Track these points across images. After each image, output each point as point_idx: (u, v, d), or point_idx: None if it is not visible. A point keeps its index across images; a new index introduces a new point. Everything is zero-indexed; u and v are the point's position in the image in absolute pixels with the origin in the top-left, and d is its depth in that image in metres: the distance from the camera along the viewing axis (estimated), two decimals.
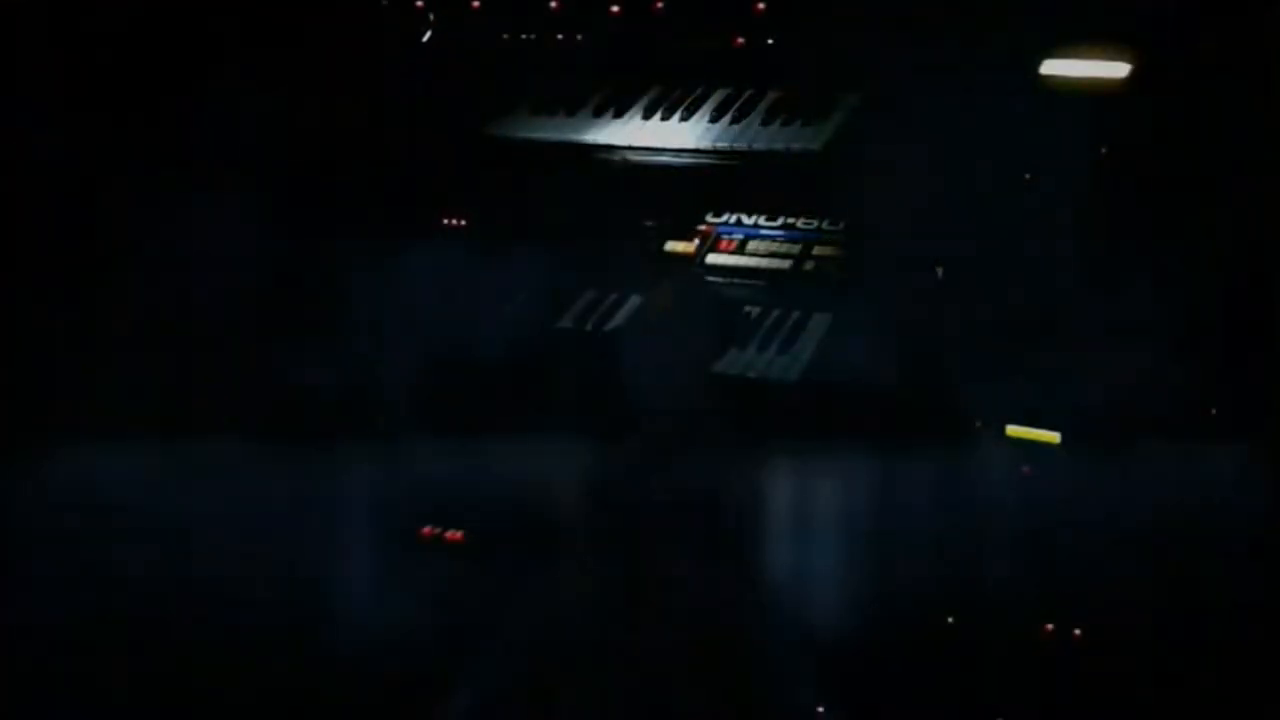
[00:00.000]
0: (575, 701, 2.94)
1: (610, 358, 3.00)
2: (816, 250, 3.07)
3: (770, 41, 3.03)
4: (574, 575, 3.05)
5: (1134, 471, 2.58)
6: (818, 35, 2.96)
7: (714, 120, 3.04)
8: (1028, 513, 2.68)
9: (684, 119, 3.07)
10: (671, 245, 3.18)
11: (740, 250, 3.12)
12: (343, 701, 3.03)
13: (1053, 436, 2.69)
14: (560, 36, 3.22)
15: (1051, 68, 2.62)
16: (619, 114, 3.15)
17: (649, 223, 3.20)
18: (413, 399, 3.17)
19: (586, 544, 3.04)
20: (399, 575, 3.13)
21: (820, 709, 2.85)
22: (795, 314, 2.99)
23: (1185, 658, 2.60)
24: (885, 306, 2.80)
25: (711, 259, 3.13)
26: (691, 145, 2.99)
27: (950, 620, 2.75)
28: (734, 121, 3.02)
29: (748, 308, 3.03)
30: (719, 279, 3.10)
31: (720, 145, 2.96)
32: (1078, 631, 2.68)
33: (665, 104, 3.13)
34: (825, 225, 3.11)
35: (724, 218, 3.20)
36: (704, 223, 3.20)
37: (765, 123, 2.98)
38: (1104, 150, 2.64)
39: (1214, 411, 2.63)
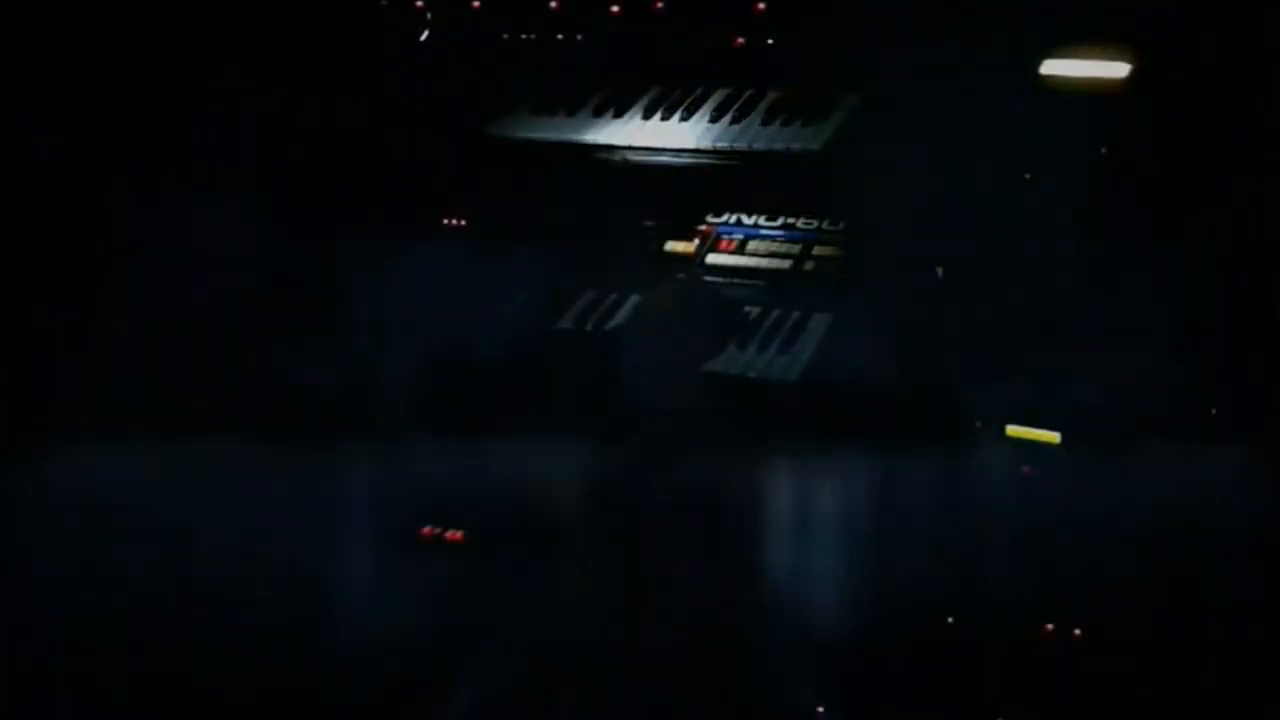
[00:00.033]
0: (575, 701, 2.94)
1: (610, 358, 3.00)
2: (816, 250, 3.07)
3: (770, 41, 3.03)
4: (574, 575, 3.05)
5: (1134, 471, 2.58)
6: (818, 35, 2.96)
7: (714, 120, 3.04)
8: (1028, 513, 2.68)
9: (684, 119, 3.07)
10: (671, 245, 3.18)
11: (740, 250, 3.12)
12: (343, 701, 3.03)
13: (1053, 436, 2.69)
14: (560, 36, 3.22)
15: (1051, 68, 2.62)
16: (619, 114, 3.15)
17: (649, 223, 3.20)
18: (413, 399, 3.17)
19: (586, 544, 3.04)
20: (399, 575, 3.13)
21: (820, 709, 2.85)
22: (795, 314, 2.98)
23: (1185, 658, 2.60)
24: (885, 306, 2.80)
25: (711, 259, 3.13)
26: (691, 145, 2.99)
27: (950, 620, 2.75)
28: (734, 121, 3.02)
29: (748, 308, 3.03)
30: (719, 279, 3.10)
31: (720, 145, 2.96)
32: (1078, 631, 2.68)
33: (665, 104, 3.13)
34: (825, 225, 3.11)
35: (724, 218, 3.20)
36: (704, 223, 3.21)
37: (765, 123, 2.98)
38: (1104, 150, 2.64)
39: (1214, 411, 2.63)
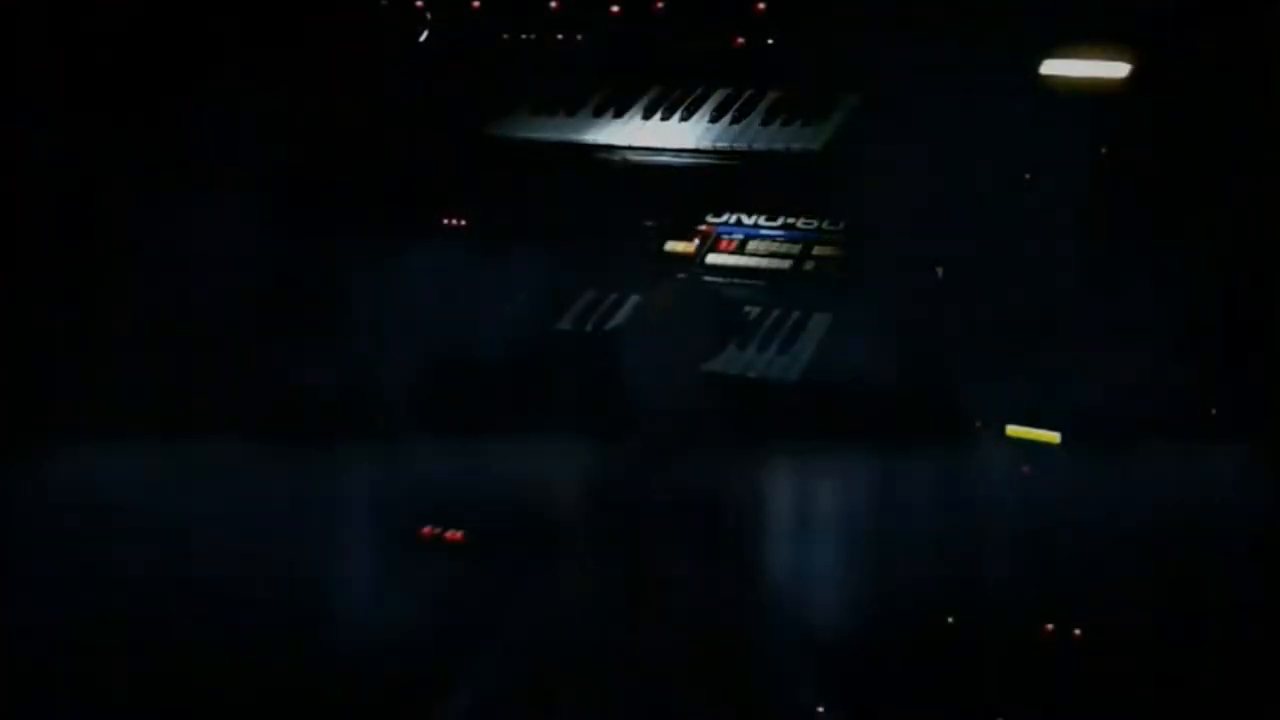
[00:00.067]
0: (575, 701, 2.94)
1: (610, 358, 3.00)
2: (816, 250, 3.07)
3: (770, 41, 3.03)
4: (574, 575, 3.05)
5: (1134, 471, 2.58)
6: (818, 35, 2.96)
7: (714, 120, 3.04)
8: (1028, 513, 2.68)
9: (684, 119, 3.07)
10: (671, 245, 3.18)
11: (740, 250, 3.12)
12: (343, 701, 3.03)
13: (1053, 436, 2.69)
14: (560, 36, 3.22)
15: (1051, 68, 2.62)
16: (619, 114, 3.14)
17: (649, 223, 3.20)
18: (413, 399, 3.17)
19: (586, 544, 3.04)
20: (399, 575, 3.13)
21: (820, 709, 2.85)
22: (795, 314, 2.98)
23: (1185, 658, 2.60)
24: (885, 306, 2.80)
25: (711, 259, 3.13)
26: (691, 145, 2.99)
27: (950, 620, 2.75)
28: (734, 121, 3.02)
29: (748, 308, 3.03)
30: (719, 279, 3.10)
31: (720, 145, 2.96)
32: (1078, 631, 2.68)
33: (665, 104, 3.13)
34: (825, 225, 3.11)
35: (724, 218, 3.20)
36: (704, 223, 3.21)
37: (765, 123, 2.98)
38: (1104, 150, 2.64)
39: (1214, 411, 2.63)
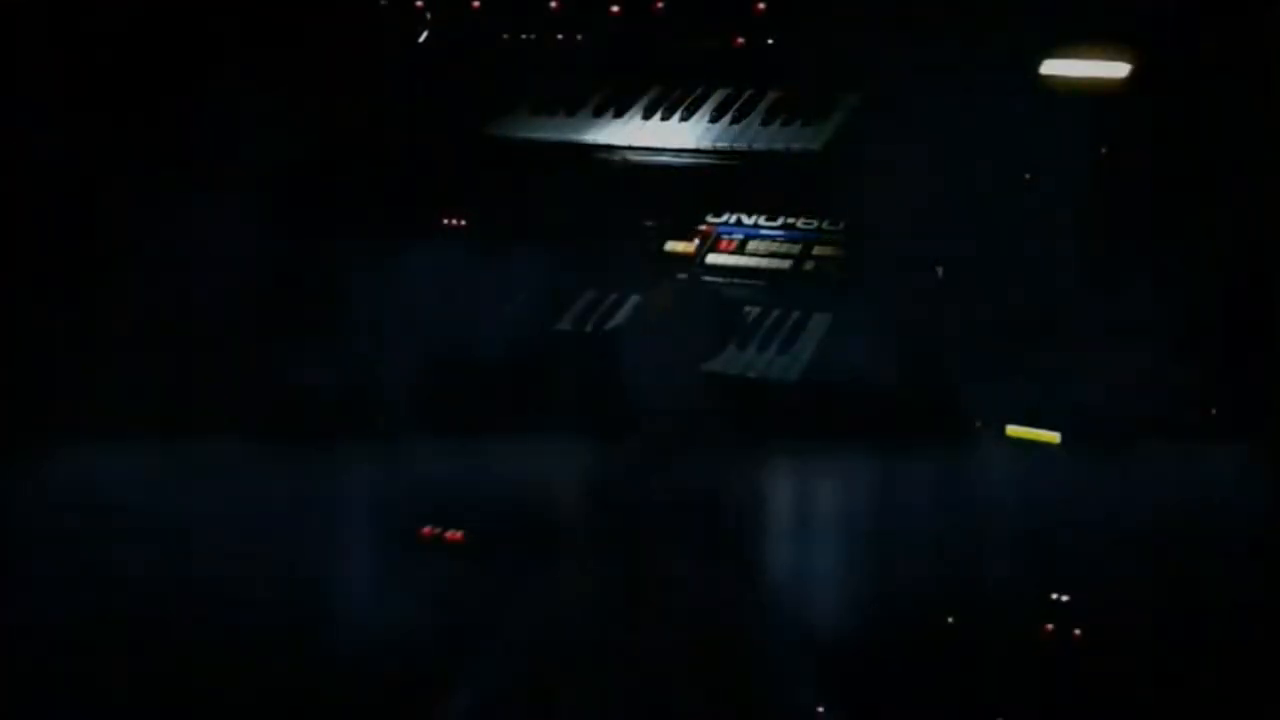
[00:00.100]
0: (575, 701, 2.94)
1: (610, 358, 3.00)
2: (816, 250, 3.07)
3: (770, 41, 3.02)
4: (574, 575, 3.05)
5: (1134, 471, 2.58)
6: (818, 35, 2.96)
7: (714, 120, 3.04)
8: (1028, 513, 2.68)
9: (684, 119, 3.07)
10: (671, 245, 3.18)
11: (740, 250, 3.12)
12: (343, 701, 3.03)
13: (1053, 436, 2.69)
14: (560, 36, 3.21)
15: (1051, 68, 2.62)
16: (619, 114, 3.14)
17: (649, 223, 3.20)
18: (413, 399, 3.17)
19: (586, 544, 3.04)
20: (399, 575, 3.13)
21: (820, 709, 2.85)
22: (795, 314, 2.98)
23: (1185, 658, 2.60)
24: (885, 306, 2.80)
25: (711, 259, 3.13)
26: (691, 145, 2.99)
27: (950, 620, 2.75)
28: (734, 121, 3.02)
29: (748, 308, 3.03)
30: (719, 279, 3.10)
31: (720, 145, 2.96)
32: (1078, 631, 2.68)
33: (665, 104, 3.13)
34: (825, 225, 3.11)
35: (724, 218, 3.20)
36: (704, 223, 3.21)
37: (765, 123, 2.98)
38: (1104, 150, 2.64)
39: (1214, 411, 2.63)
